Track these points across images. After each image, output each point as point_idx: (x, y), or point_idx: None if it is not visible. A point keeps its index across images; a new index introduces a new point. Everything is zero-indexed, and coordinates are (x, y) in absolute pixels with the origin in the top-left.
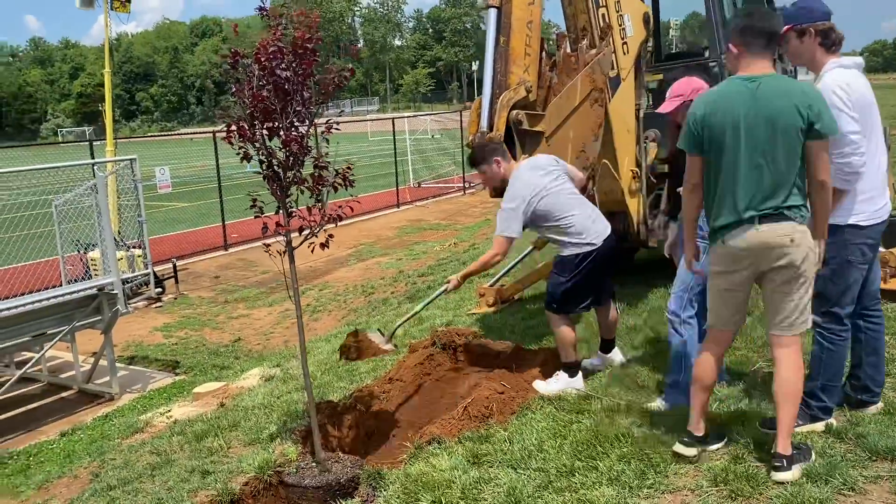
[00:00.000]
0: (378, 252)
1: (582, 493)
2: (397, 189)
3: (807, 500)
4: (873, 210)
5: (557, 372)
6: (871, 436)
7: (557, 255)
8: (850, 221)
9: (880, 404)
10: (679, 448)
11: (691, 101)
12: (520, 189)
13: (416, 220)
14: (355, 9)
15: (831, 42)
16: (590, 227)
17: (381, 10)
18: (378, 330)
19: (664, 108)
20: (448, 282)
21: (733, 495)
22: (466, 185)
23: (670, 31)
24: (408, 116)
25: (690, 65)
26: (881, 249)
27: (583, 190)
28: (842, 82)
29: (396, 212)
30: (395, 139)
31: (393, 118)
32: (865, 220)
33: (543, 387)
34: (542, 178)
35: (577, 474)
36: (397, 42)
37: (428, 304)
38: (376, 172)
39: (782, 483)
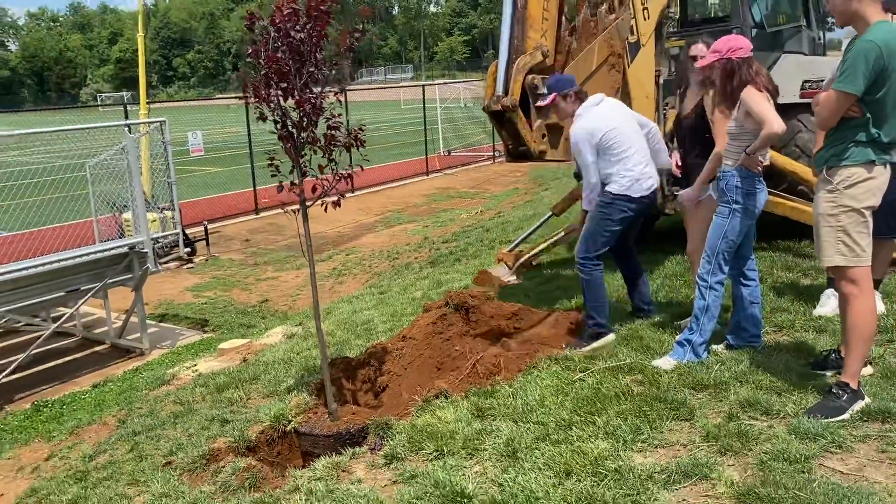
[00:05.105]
0: (405, 219)
1: (577, 446)
2: (426, 157)
3: (793, 456)
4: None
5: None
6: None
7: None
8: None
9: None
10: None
11: (727, 58)
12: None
13: (444, 188)
14: None
15: None
16: None
17: None
18: (506, 264)
19: (701, 63)
20: None
21: (723, 450)
22: (496, 154)
23: None
24: (439, 84)
25: (714, 31)
26: None
27: None
28: None
29: (425, 179)
30: (425, 107)
31: (423, 86)
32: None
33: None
34: None
35: (574, 428)
36: (432, 9)
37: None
38: (407, 140)
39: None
